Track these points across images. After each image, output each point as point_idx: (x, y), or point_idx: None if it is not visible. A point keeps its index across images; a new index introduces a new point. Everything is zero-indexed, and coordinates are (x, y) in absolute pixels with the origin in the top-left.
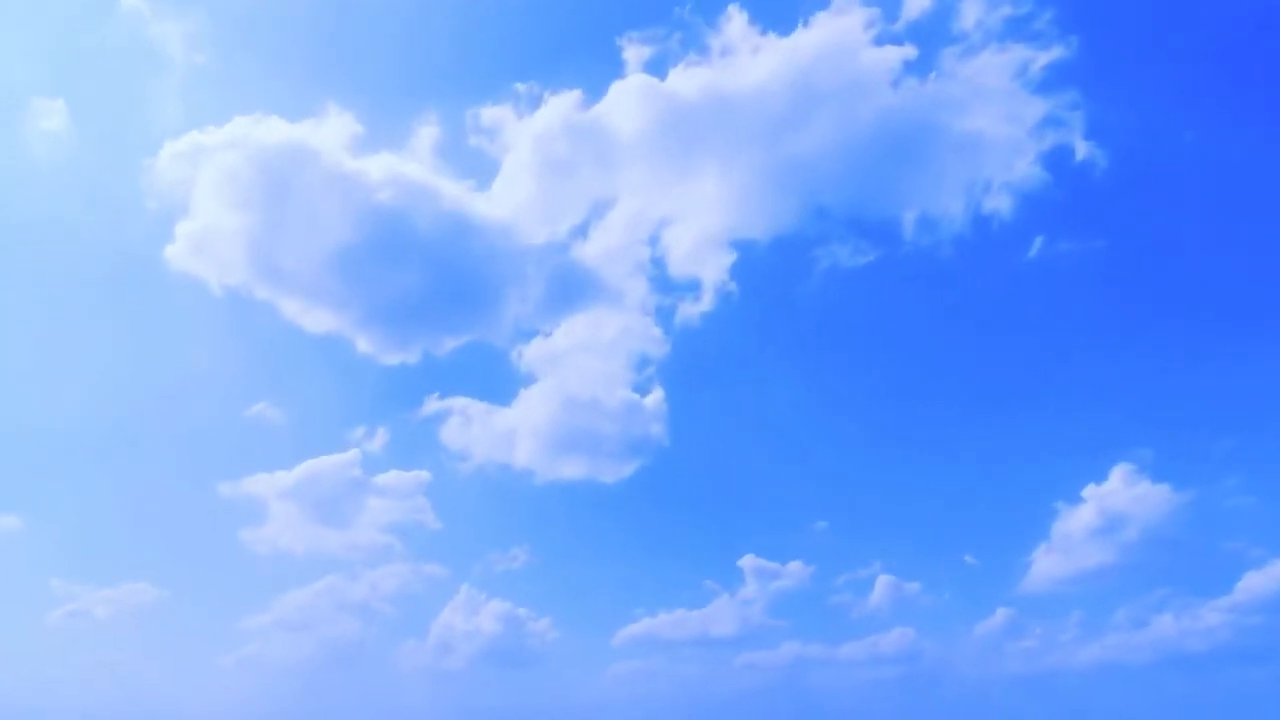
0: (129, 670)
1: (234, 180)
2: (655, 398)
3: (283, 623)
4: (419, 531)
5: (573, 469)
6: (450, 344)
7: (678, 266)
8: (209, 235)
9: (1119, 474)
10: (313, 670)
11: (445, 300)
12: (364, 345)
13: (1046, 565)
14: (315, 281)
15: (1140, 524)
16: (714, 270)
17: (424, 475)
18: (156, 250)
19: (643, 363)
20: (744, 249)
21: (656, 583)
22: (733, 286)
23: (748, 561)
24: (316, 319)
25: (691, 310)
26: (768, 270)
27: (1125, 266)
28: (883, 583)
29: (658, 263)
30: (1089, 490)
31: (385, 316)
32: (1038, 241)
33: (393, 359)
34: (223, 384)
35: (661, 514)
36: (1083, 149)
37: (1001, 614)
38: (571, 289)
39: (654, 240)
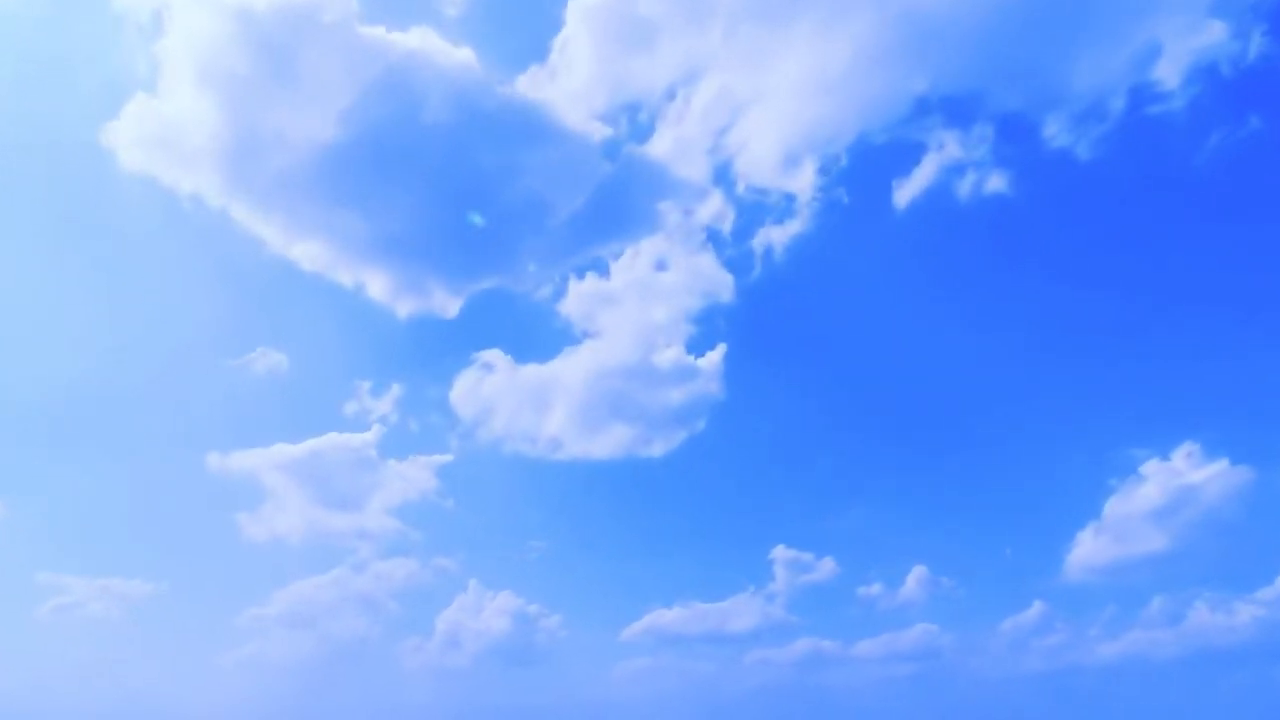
0: (121, 666)
1: (214, 46)
2: (712, 359)
3: (283, 618)
4: (431, 518)
5: (605, 445)
6: (473, 288)
7: (758, 176)
8: (172, 122)
9: (1184, 451)
10: (313, 668)
11: (469, 231)
12: (369, 287)
13: (1092, 550)
14: (307, 199)
15: (1198, 507)
16: (801, 180)
17: (438, 459)
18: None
19: (703, 315)
20: (838, 150)
21: (678, 574)
22: (827, 198)
23: (779, 552)
24: (308, 252)
25: (776, 236)
26: (864, 181)
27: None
28: (916, 575)
29: (730, 171)
30: (1149, 466)
31: (392, 249)
32: (1213, 139)
33: (403, 306)
34: (201, 334)
35: (697, 499)
36: (1261, 41)
37: (1037, 607)
38: (626, 211)
39: (731, 137)
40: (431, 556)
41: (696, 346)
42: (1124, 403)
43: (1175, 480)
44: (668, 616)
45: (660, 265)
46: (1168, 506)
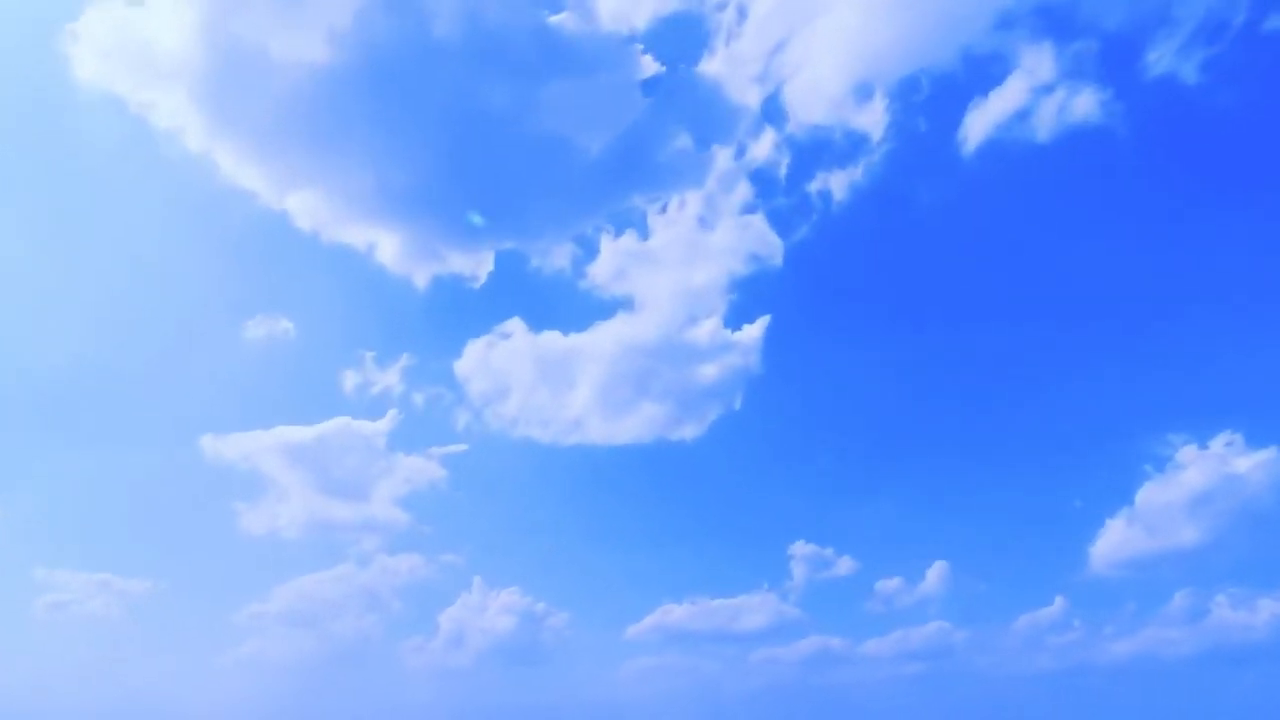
0: (117, 664)
1: None
2: (751, 333)
3: (283, 615)
4: (439, 510)
5: (630, 428)
6: (495, 248)
7: (817, 110)
8: (145, 35)
9: (1224, 439)
10: (314, 667)
11: (488, 181)
12: (378, 248)
13: (1122, 540)
14: (303, 139)
15: (1233, 498)
16: (868, 115)
17: (451, 449)
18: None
19: (747, 282)
20: (912, 73)
21: (692, 568)
22: (898, 133)
23: (798, 548)
24: (305, 203)
25: (836, 183)
26: (931, 120)
27: None
28: (937, 570)
29: (785, 105)
30: (1186, 454)
31: (400, 203)
32: None
33: (417, 271)
34: (189, 299)
35: (719, 489)
36: None
37: (1059, 603)
38: (665, 155)
39: (787, 61)
40: (437, 550)
41: (737, 318)
42: (1166, 384)
43: (1213, 469)
44: (677, 613)
45: (702, 222)
46: (1202, 496)
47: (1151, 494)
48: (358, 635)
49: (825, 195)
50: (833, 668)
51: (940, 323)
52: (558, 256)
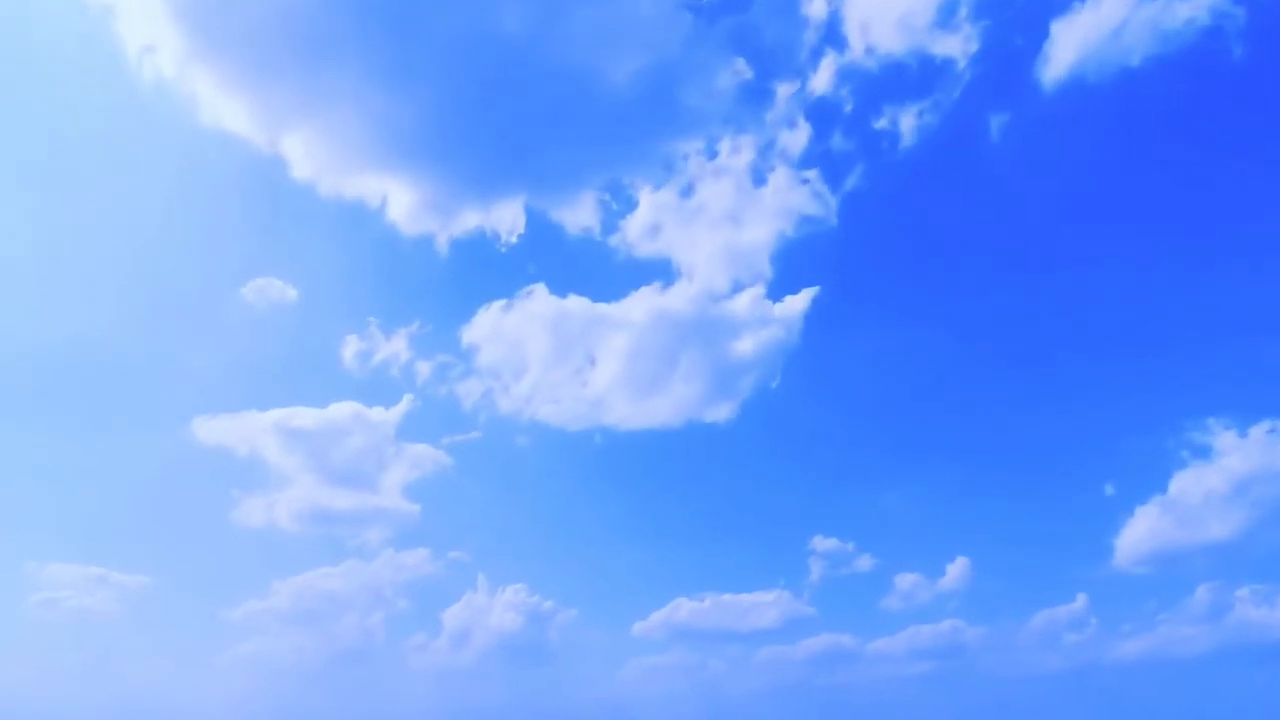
0: (113, 662)
1: None
2: (795, 305)
3: (283, 612)
4: (444, 502)
5: (655, 410)
6: (515, 206)
7: (885, 35)
8: None
9: (1264, 426)
10: (313, 665)
11: (506, 121)
12: (387, 206)
13: (1153, 529)
14: (288, 63)
15: (1269, 488)
16: (946, 41)
17: (455, 436)
18: None
19: (793, 247)
20: None
21: (705, 563)
22: (980, 55)
23: (818, 542)
24: (299, 146)
25: (906, 125)
26: (1025, 39)
27: None
28: (958, 565)
29: (846, 30)
30: (1225, 440)
31: (404, 150)
32: None
33: (439, 234)
34: (171, 261)
35: (746, 478)
36: None
37: (1081, 600)
38: (706, 93)
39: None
40: (441, 545)
41: (780, 288)
42: (1211, 365)
43: (1251, 457)
44: (688, 609)
45: (752, 170)
46: (1238, 485)
47: (1186, 482)
48: (360, 633)
49: (893, 137)
50: (842, 666)
51: (979, 298)
52: (584, 211)
